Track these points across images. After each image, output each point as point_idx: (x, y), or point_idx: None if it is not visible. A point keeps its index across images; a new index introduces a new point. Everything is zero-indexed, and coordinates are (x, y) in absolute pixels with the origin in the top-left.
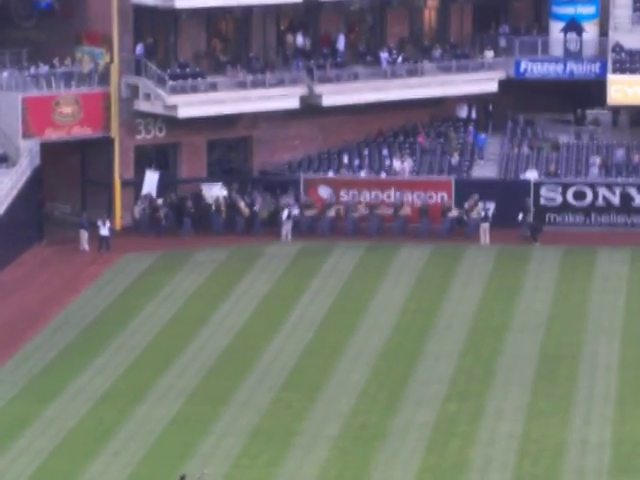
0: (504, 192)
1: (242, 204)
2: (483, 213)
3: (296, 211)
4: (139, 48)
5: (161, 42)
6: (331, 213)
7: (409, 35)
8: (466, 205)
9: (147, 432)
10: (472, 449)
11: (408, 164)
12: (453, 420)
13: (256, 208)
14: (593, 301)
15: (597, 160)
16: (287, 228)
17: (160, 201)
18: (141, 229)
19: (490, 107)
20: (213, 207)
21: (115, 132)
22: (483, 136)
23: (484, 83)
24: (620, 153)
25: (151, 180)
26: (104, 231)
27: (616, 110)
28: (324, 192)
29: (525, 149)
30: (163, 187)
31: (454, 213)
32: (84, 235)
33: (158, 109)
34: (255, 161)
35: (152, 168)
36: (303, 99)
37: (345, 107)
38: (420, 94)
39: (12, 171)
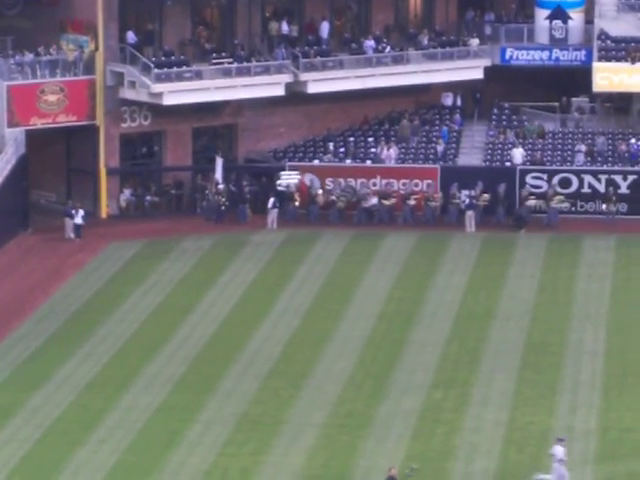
0: (490, 179)
1: (320, 191)
2: (467, 200)
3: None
4: (130, 36)
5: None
6: (411, 202)
7: (394, 23)
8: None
9: (133, 420)
10: (458, 436)
11: (394, 151)
12: (439, 408)
13: (333, 197)
14: (579, 288)
15: (582, 147)
16: (273, 216)
17: (221, 186)
18: (207, 215)
19: (478, 95)
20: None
21: (100, 120)
22: (445, 129)
23: (470, 71)
24: (601, 140)
25: (219, 166)
26: (77, 219)
27: (601, 97)
28: (308, 180)
29: (510, 136)
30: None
31: (532, 202)
32: (69, 223)
33: (143, 97)
34: (240, 149)
35: (219, 154)
36: (288, 87)
37: (330, 95)
38: (405, 82)
39: None
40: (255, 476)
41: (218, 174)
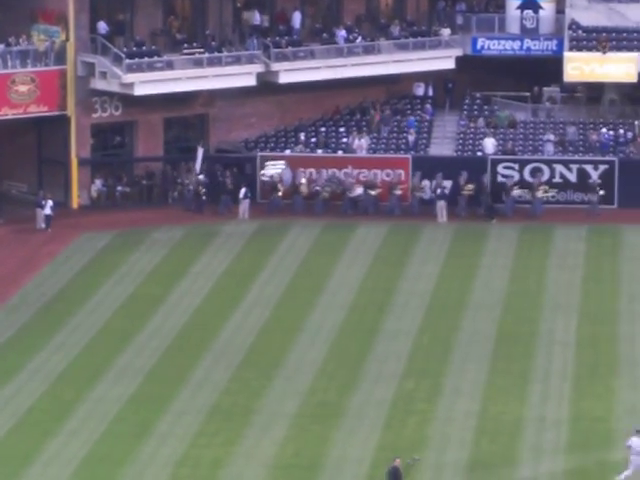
0: (461, 169)
1: (303, 182)
2: (440, 190)
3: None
4: (101, 26)
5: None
6: (398, 191)
7: (365, 13)
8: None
9: (104, 411)
10: (430, 427)
11: (365, 141)
12: (411, 398)
13: (318, 187)
14: (550, 278)
15: (551, 137)
16: (244, 206)
17: (202, 177)
18: (186, 205)
19: (449, 85)
20: (269, 186)
21: (71, 110)
22: (412, 119)
23: (441, 61)
24: (572, 130)
25: (199, 156)
26: (46, 210)
27: (572, 87)
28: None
29: (482, 126)
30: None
31: (517, 192)
32: (40, 214)
33: (114, 87)
34: (212, 139)
35: (200, 144)
36: (260, 77)
37: (302, 85)
38: (377, 72)
39: None
40: (227, 466)
41: (197, 164)
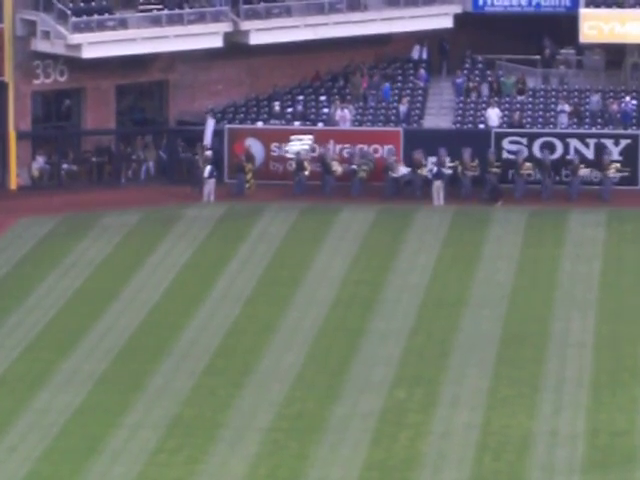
0: (461, 144)
1: (335, 161)
2: (436, 169)
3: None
4: None
5: None
6: (448, 171)
7: None
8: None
9: (48, 424)
10: (424, 442)
11: (349, 112)
12: (402, 409)
13: (354, 166)
14: (564, 270)
15: (566, 107)
16: (210, 187)
17: (209, 153)
18: (191, 184)
19: (446, 46)
20: (294, 164)
21: (9, 76)
22: (387, 85)
23: (437, 19)
24: (595, 99)
25: (209, 128)
26: None
27: (590, 50)
28: (253, 146)
29: (484, 95)
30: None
31: (585, 171)
32: None
33: (59, 49)
34: (172, 109)
35: (210, 115)
36: (227, 37)
37: (276, 46)
38: (363, 31)
39: None
40: None
41: (208, 138)
